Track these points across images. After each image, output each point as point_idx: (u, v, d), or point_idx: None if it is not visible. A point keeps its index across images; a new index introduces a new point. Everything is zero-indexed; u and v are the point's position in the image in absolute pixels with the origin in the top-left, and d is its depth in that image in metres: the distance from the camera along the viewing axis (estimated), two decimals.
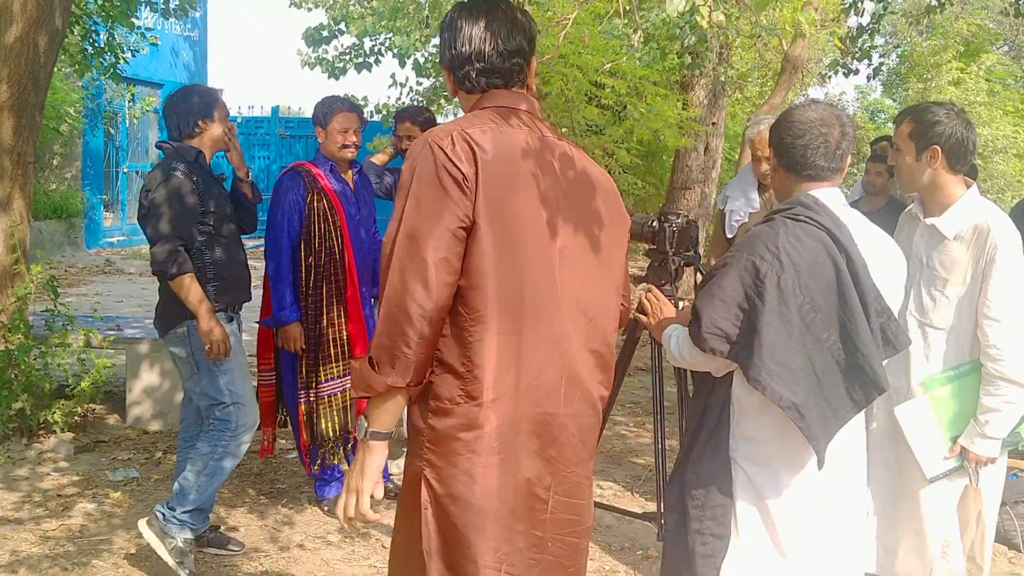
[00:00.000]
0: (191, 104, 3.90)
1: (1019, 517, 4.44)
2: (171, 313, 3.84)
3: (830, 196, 2.43)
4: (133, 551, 4.05)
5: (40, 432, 5.42)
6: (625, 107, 11.11)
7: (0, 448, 5.21)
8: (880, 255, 2.44)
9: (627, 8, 2.71)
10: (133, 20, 7.39)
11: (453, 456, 1.96)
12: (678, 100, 11.51)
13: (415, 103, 13.33)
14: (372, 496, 2.01)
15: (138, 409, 5.88)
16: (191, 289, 3.73)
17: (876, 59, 8.06)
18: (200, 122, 3.89)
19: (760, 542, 2.42)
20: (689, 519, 2.48)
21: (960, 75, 12.99)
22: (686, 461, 2.52)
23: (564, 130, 11.01)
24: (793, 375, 2.25)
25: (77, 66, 7.92)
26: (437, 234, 1.89)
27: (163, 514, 3.78)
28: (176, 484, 3.87)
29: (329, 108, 4.52)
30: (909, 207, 3.19)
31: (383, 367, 1.91)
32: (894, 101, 19.40)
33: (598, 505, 3.71)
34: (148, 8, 7.65)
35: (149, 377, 5.88)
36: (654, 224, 2.99)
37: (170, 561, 3.72)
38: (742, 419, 2.43)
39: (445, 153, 1.92)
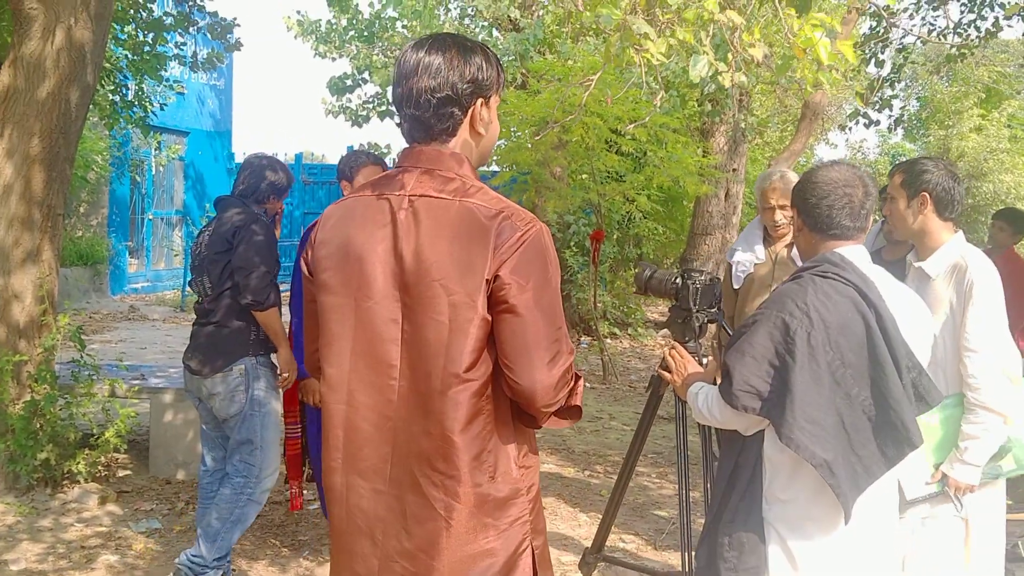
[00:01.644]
0: (279, 178, 4.25)
1: None
2: (228, 351, 4.03)
3: (856, 254, 2.45)
4: None
5: (64, 482, 5.44)
6: (645, 154, 11.18)
7: (25, 498, 5.23)
8: (908, 310, 2.45)
9: (650, 64, 2.75)
10: (162, 73, 7.53)
11: None
12: (698, 147, 11.57)
13: None
14: None
15: (161, 459, 5.90)
16: (279, 320, 4.01)
17: (897, 108, 8.07)
18: (274, 197, 4.26)
19: None
20: None
21: (982, 122, 12.98)
22: (717, 522, 2.51)
23: (584, 176, 11.09)
24: (824, 432, 2.25)
25: (107, 119, 8.07)
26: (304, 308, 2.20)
27: (195, 565, 3.86)
28: (200, 531, 3.96)
29: (355, 162, 4.60)
30: (909, 254, 3.33)
31: None
32: (915, 146, 19.40)
33: (618, 563, 3.70)
34: (177, 62, 7.79)
35: (172, 427, 5.90)
36: (677, 281, 3.00)
37: None
38: (775, 479, 2.43)
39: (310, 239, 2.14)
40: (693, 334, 2.95)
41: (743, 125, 12.07)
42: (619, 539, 5.14)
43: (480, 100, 2.02)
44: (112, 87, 7.50)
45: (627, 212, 12.22)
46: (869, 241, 5.60)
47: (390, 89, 13.31)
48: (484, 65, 2.01)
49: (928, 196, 3.08)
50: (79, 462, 5.35)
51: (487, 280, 1.87)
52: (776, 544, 2.41)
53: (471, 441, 1.90)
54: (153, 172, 16.66)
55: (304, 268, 2.14)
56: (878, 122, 7.82)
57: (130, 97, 7.73)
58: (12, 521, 4.96)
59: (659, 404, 3.19)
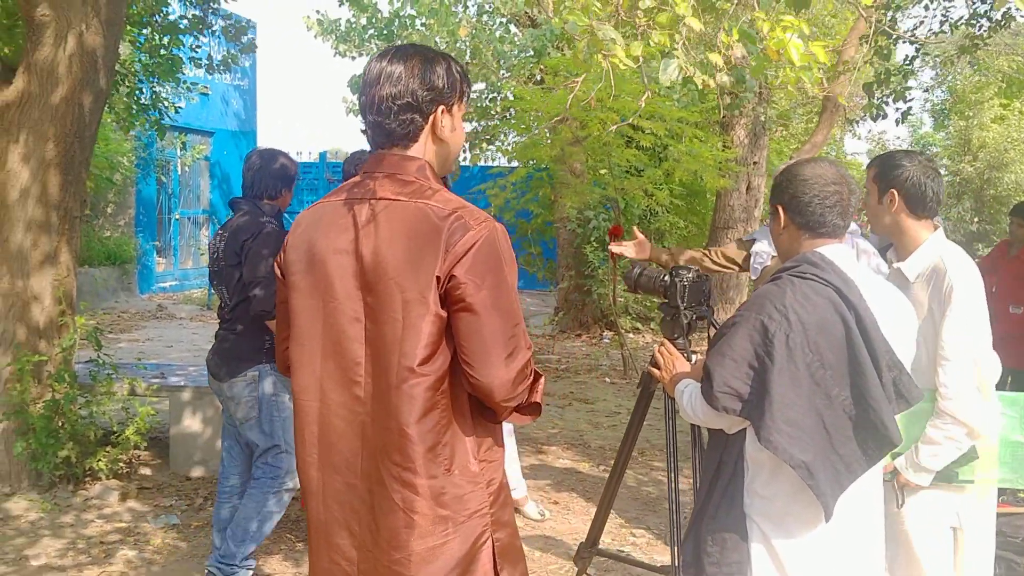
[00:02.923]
0: (283, 169, 4.25)
1: None
2: (246, 356, 4.12)
3: (837, 253, 2.45)
4: None
5: (86, 479, 5.56)
6: (666, 148, 11.17)
7: (48, 495, 5.35)
8: (891, 309, 2.46)
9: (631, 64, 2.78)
10: (182, 76, 7.63)
11: None
12: (718, 140, 11.53)
13: None
14: None
15: (181, 456, 6.01)
16: None
17: (909, 101, 8.00)
18: (284, 190, 4.27)
19: None
20: None
21: (1003, 111, 12.82)
22: (701, 517, 2.55)
23: (604, 172, 11.09)
24: (803, 434, 2.28)
25: (121, 121, 8.20)
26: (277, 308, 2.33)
27: (224, 565, 3.99)
28: (230, 531, 4.12)
29: (359, 161, 4.68)
30: (889, 252, 3.24)
31: None
32: (946, 135, 19.19)
33: (611, 556, 3.74)
34: (193, 64, 7.90)
35: (192, 424, 6.01)
36: (665, 279, 3.03)
37: None
38: (756, 476, 2.46)
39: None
40: (682, 331, 2.98)
41: (763, 118, 12.00)
42: (630, 533, 5.18)
43: (441, 107, 2.09)
44: (127, 90, 7.62)
45: (647, 207, 12.21)
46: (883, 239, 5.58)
47: None
48: (445, 74, 2.08)
49: (896, 193, 2.98)
50: (100, 459, 5.46)
51: (438, 277, 1.95)
52: (758, 541, 2.44)
53: (425, 434, 1.98)
54: (179, 172, 16.87)
55: (278, 271, 2.23)
56: (886, 115, 7.76)
57: (144, 101, 7.86)
58: (35, 517, 5.08)
59: (650, 401, 3.22)
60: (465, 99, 2.16)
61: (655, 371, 2.82)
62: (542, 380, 2.14)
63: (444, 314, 1.97)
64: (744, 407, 2.33)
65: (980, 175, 13.01)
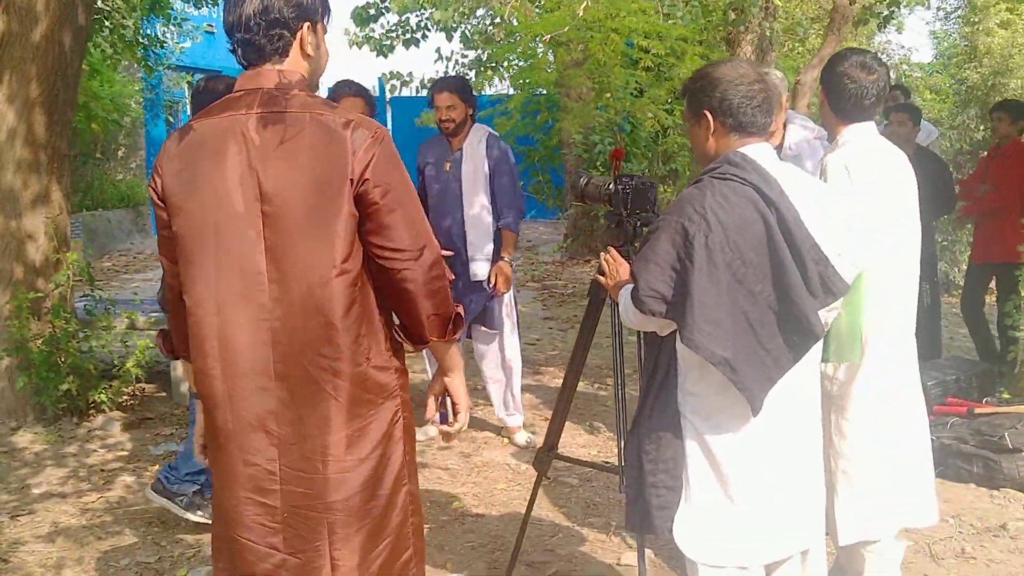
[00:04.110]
0: (218, 94, 4.09)
1: None
2: None
3: (759, 151, 2.46)
4: (164, 519, 4.29)
5: (90, 412, 5.72)
6: (671, 67, 11.04)
7: (52, 428, 5.52)
8: (815, 203, 2.47)
9: None
10: (168, 12, 7.61)
11: None
12: (725, 57, 11.37)
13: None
14: None
15: (183, 386, 6.14)
16: None
17: (895, 5, 7.89)
18: None
19: (710, 492, 2.49)
20: (644, 473, 2.57)
21: (1009, 16, 12.51)
22: (639, 417, 2.61)
23: (608, 95, 11.01)
24: (723, 332, 2.31)
25: (109, 60, 8.21)
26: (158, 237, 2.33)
27: (167, 477, 4.11)
28: (183, 446, 4.24)
29: (339, 91, 4.71)
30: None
31: None
32: (964, 47, 18.78)
33: (568, 460, 3.81)
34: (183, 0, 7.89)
35: None
36: (611, 187, 3.05)
37: (183, 512, 4.12)
38: (687, 375, 2.51)
39: (155, 165, 2.25)
40: (627, 237, 3.01)
41: (769, 33, 11.79)
42: (591, 437, 5.38)
43: (307, 24, 2.17)
44: (111, 28, 7.62)
45: (653, 129, 12.12)
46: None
47: (411, 16, 13.17)
48: None
49: (823, 90, 3.08)
50: (101, 392, 5.61)
51: (351, 180, 2.06)
52: (692, 438, 2.50)
53: (350, 326, 2.12)
54: (187, 113, 16.91)
55: (154, 196, 2.24)
56: (886, 24, 7.68)
57: (128, 38, 7.86)
58: (39, 449, 5.25)
59: (601, 309, 3.27)
60: (327, 19, 2.25)
61: (601, 278, 2.86)
62: (460, 308, 2.29)
63: (357, 214, 2.08)
64: (668, 309, 2.37)
65: (985, 82, 12.74)
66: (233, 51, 2.19)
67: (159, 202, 2.23)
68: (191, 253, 2.16)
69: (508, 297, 5.22)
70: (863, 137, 3.10)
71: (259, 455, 2.15)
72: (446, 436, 2.48)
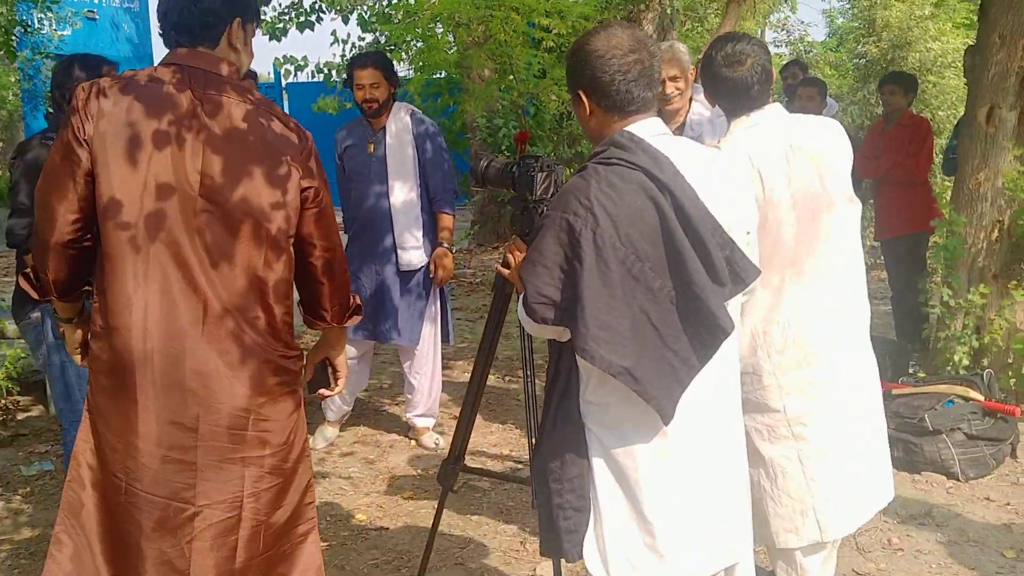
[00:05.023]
0: (72, 78, 3.65)
1: (956, 445, 4.29)
2: (27, 295, 3.89)
3: (647, 128, 2.17)
4: (33, 550, 3.87)
5: None
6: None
7: None
8: (716, 182, 2.20)
9: None
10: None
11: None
12: None
13: None
14: None
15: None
16: None
17: None
18: None
19: (620, 511, 2.21)
20: (551, 493, 2.28)
21: None
22: (542, 430, 2.32)
23: (511, 77, 10.72)
24: (621, 337, 2.03)
25: None
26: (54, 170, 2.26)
27: None
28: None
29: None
30: None
31: None
32: (860, 24, 19.07)
33: (474, 471, 3.50)
34: None
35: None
36: (514, 170, 2.75)
37: None
38: (587, 382, 2.23)
39: (76, 106, 2.19)
40: (531, 226, 2.71)
41: (669, 11, 11.70)
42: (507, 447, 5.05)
43: (237, 20, 2.31)
44: None
45: (558, 111, 11.87)
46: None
47: None
48: None
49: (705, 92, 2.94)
50: None
51: (300, 181, 2.28)
52: (597, 453, 2.22)
53: (281, 299, 2.34)
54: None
55: (75, 134, 2.17)
56: None
57: (3, 24, 7.19)
58: None
59: (507, 303, 2.98)
60: (256, 23, 2.42)
61: (504, 271, 2.56)
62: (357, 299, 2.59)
63: (299, 205, 2.30)
64: (559, 315, 2.08)
65: (884, 56, 12.84)
66: (163, 35, 2.31)
67: (82, 142, 2.18)
68: (112, 200, 2.17)
69: (433, 304, 4.97)
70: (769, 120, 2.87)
71: (181, 413, 2.22)
72: (322, 396, 2.68)
